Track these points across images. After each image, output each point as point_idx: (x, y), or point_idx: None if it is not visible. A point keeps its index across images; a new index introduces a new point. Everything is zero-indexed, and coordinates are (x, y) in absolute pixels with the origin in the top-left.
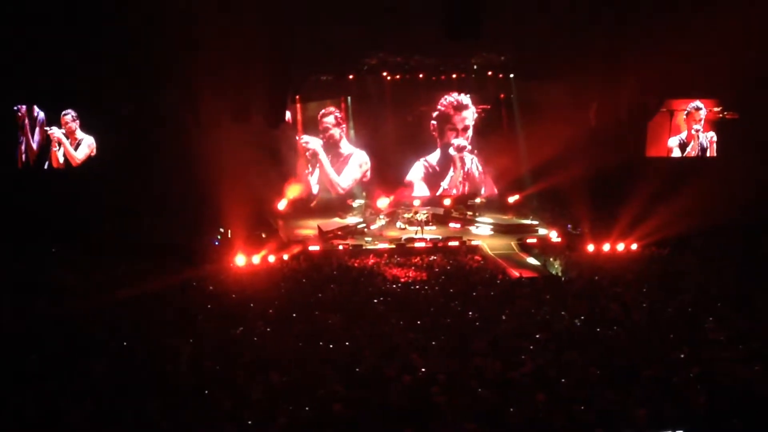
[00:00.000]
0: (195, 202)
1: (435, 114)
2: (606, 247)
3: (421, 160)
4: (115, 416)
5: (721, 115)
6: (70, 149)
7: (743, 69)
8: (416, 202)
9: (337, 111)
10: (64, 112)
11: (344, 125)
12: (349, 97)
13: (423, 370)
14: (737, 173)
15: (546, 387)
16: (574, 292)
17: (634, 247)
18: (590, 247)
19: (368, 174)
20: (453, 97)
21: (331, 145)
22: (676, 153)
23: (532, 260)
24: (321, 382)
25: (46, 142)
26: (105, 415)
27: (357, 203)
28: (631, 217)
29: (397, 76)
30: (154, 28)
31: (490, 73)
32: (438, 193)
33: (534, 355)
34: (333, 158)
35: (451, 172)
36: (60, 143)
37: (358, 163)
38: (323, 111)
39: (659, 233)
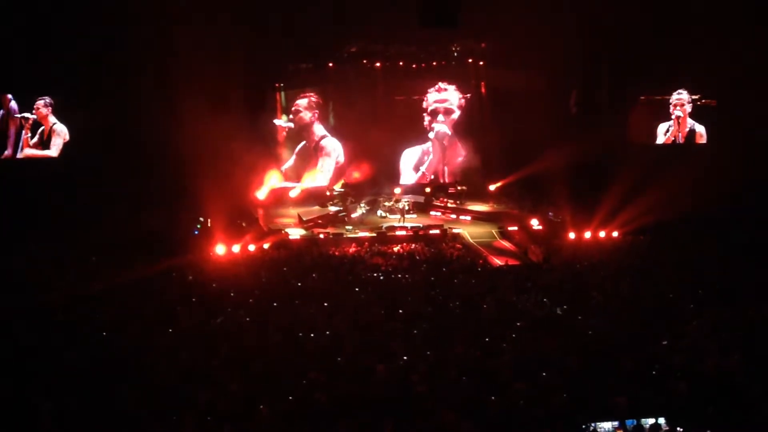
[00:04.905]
0: (174, 192)
1: (424, 104)
2: (587, 234)
3: (407, 149)
4: (92, 409)
5: (699, 103)
6: (38, 151)
7: (721, 59)
8: (397, 190)
9: (313, 95)
10: (38, 98)
11: (317, 111)
12: (329, 85)
13: (405, 358)
14: (719, 161)
15: (526, 375)
16: (555, 280)
17: (615, 234)
18: (571, 235)
19: (340, 159)
20: (435, 85)
21: (302, 129)
22: (661, 139)
23: (513, 248)
24: (302, 372)
25: (18, 130)
26: (81, 408)
27: (336, 190)
28: (612, 205)
29: (377, 64)
30: (131, 17)
31: (470, 60)
32: (417, 177)
33: (514, 343)
34: (305, 144)
35: (431, 157)
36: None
37: (328, 149)
38: (300, 95)
39: (640, 221)
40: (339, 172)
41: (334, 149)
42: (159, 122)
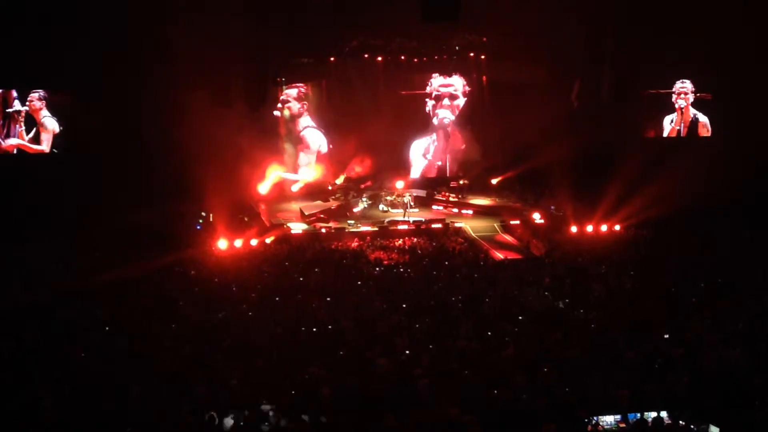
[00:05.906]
0: (176, 186)
1: (428, 89)
2: (589, 228)
3: (416, 140)
4: (94, 404)
5: (695, 96)
6: (29, 143)
7: (721, 52)
8: (399, 184)
9: (302, 86)
10: (33, 91)
11: (305, 102)
12: (330, 80)
13: (407, 352)
14: (722, 154)
15: (528, 369)
16: (557, 274)
17: (617, 228)
18: (573, 229)
19: (322, 150)
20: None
21: (290, 120)
22: (667, 130)
23: (515, 242)
24: (303, 366)
25: (11, 123)
26: (83, 402)
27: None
28: (614, 199)
29: (379, 59)
30: (133, 11)
31: (471, 54)
32: (424, 166)
33: (516, 337)
34: (290, 134)
35: (434, 143)
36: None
37: (308, 141)
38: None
39: (642, 214)
40: (334, 165)
41: (314, 141)
42: (160, 116)
